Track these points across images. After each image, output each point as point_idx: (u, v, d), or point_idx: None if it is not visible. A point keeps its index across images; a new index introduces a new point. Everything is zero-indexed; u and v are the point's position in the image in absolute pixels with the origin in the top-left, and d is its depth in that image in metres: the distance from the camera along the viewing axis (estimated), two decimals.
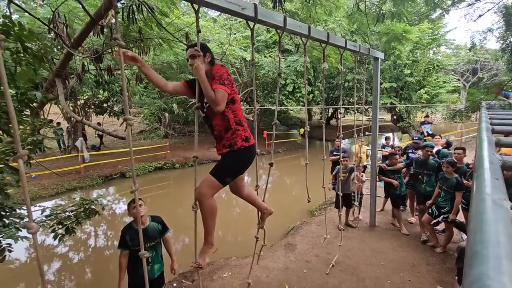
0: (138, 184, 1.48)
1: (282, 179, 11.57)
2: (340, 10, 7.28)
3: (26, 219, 1.02)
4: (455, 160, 4.28)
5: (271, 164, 2.48)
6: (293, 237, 5.18)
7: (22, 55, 2.25)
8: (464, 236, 4.56)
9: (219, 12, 4.44)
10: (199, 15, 1.74)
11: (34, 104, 2.63)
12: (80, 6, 3.70)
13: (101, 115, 12.61)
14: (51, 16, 3.70)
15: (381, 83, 12.33)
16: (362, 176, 5.48)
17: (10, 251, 2.48)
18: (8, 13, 3.60)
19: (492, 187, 0.63)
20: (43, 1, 7.31)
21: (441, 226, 4.67)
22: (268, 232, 2.65)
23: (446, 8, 9.12)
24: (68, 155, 11.92)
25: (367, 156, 7.16)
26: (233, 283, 3.82)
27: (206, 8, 2.80)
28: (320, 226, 5.39)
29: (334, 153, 5.97)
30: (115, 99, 11.37)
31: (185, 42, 5.03)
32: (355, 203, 5.09)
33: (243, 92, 14.63)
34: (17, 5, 4.31)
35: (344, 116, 22.57)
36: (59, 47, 5.24)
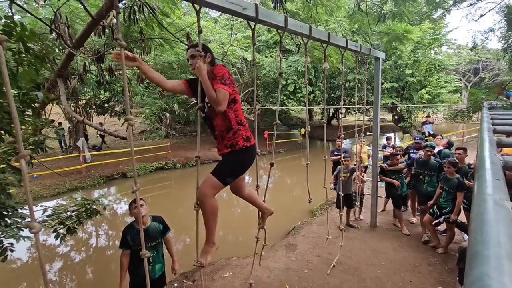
0: (139, 184, 1.49)
1: (283, 179, 11.56)
2: (341, 10, 7.27)
3: (28, 219, 1.02)
4: (457, 161, 4.26)
5: (271, 164, 2.49)
6: (294, 237, 5.17)
7: (24, 55, 2.26)
8: (466, 237, 4.55)
9: (220, 13, 4.44)
10: (200, 15, 1.75)
11: (36, 104, 2.64)
12: (82, 6, 3.71)
13: (102, 115, 12.65)
14: (53, 17, 3.71)
15: (382, 83, 12.34)
16: (363, 177, 5.48)
17: (12, 250, 2.48)
18: (10, 14, 3.61)
19: (493, 187, 0.63)
20: (44, 2, 7.34)
21: (443, 227, 4.66)
22: (269, 232, 2.66)
23: (448, 8, 9.09)
24: (70, 155, 11.98)
25: (368, 156, 7.15)
26: (234, 283, 3.82)
27: (207, 9, 2.81)
28: (321, 226, 5.39)
29: (335, 153, 5.96)
30: (116, 99, 11.40)
31: (186, 42, 5.03)
32: (356, 203, 5.09)
33: (244, 92, 14.62)
34: (19, 5, 4.33)
35: (345, 116, 22.51)
36: (60, 48, 5.25)
